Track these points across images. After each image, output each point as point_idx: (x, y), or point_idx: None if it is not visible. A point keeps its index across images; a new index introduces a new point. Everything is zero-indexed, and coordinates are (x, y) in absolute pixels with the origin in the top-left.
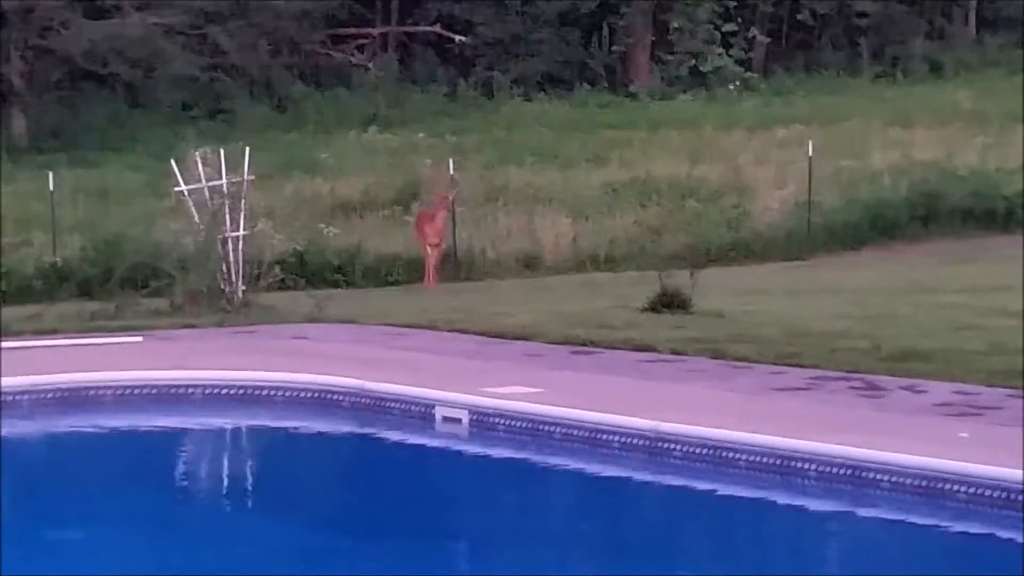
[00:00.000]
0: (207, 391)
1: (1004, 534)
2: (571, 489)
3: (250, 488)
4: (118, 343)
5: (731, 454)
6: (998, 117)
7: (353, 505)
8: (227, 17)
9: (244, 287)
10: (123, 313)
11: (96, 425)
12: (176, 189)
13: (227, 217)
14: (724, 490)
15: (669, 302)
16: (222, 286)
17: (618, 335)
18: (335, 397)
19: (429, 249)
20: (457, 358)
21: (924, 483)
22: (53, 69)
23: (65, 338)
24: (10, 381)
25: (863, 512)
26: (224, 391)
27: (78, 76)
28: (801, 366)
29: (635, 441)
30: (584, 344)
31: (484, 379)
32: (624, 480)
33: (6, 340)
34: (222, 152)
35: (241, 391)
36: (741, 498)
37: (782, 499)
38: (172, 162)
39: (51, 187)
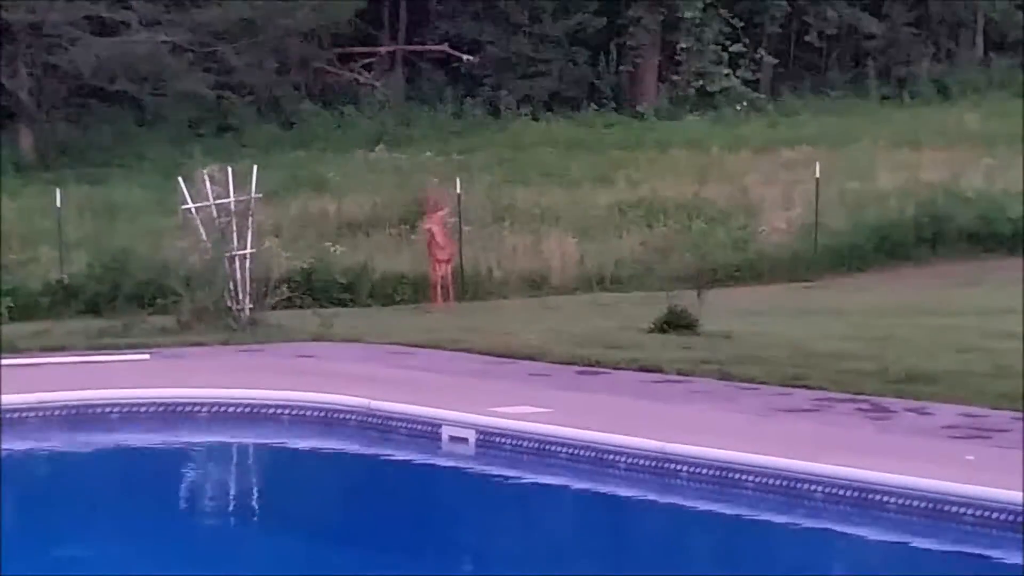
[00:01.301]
0: (213, 409)
1: (1010, 558)
2: (577, 509)
3: (255, 506)
4: (125, 360)
5: (737, 475)
6: (1005, 139)
7: (359, 524)
8: (235, 35)
9: (251, 305)
10: (130, 330)
11: (103, 442)
12: (183, 207)
13: (234, 235)
14: (730, 511)
15: (676, 323)
16: (229, 304)
17: (625, 355)
18: (341, 416)
19: (437, 266)
20: (464, 377)
21: (930, 505)
22: (61, 86)
23: (72, 355)
24: (17, 398)
25: (869, 534)
26: (230, 409)
27: (86, 93)
28: (808, 387)
29: (641, 462)
30: (591, 364)
31: (491, 399)
32: (630, 500)
33: (13, 357)
34: (229, 170)
35: (247, 409)
36: (747, 519)
37: (788, 520)
38: (179, 179)
39: (58, 203)
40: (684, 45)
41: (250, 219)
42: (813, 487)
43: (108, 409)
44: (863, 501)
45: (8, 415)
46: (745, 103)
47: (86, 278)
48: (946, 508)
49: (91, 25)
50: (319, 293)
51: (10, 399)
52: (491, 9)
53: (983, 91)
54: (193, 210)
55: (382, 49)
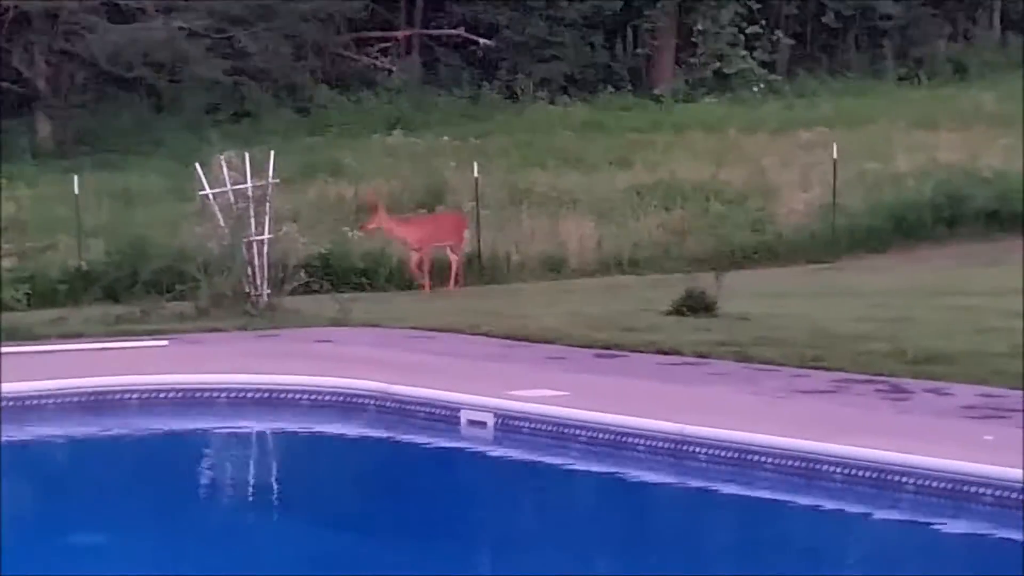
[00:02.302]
0: (232, 395)
1: None
2: (596, 492)
3: (274, 492)
4: (143, 347)
5: (756, 457)
6: (1022, 119)
7: (378, 509)
8: (251, 21)
9: (269, 291)
10: (148, 317)
11: (121, 429)
12: (201, 193)
13: (252, 220)
14: (749, 493)
15: (694, 305)
16: (247, 290)
17: (643, 338)
18: (360, 401)
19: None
20: (482, 361)
21: (949, 486)
22: (78, 73)
23: (90, 342)
24: (36, 385)
25: (888, 515)
26: (249, 395)
27: (103, 80)
28: (826, 369)
29: (660, 444)
30: (609, 347)
31: (509, 382)
32: (649, 483)
33: (32, 344)
34: (247, 155)
35: (266, 395)
36: (766, 501)
37: (807, 502)
38: (196, 166)
39: (76, 190)
40: (701, 27)
41: (267, 205)
42: (832, 468)
43: (126, 395)
44: (882, 482)
45: (27, 402)
46: (762, 85)
47: (104, 265)
48: (965, 488)
49: (107, 12)
50: (337, 278)
51: (28, 386)
52: None
53: (1001, 71)
54: (211, 196)
55: (398, 34)
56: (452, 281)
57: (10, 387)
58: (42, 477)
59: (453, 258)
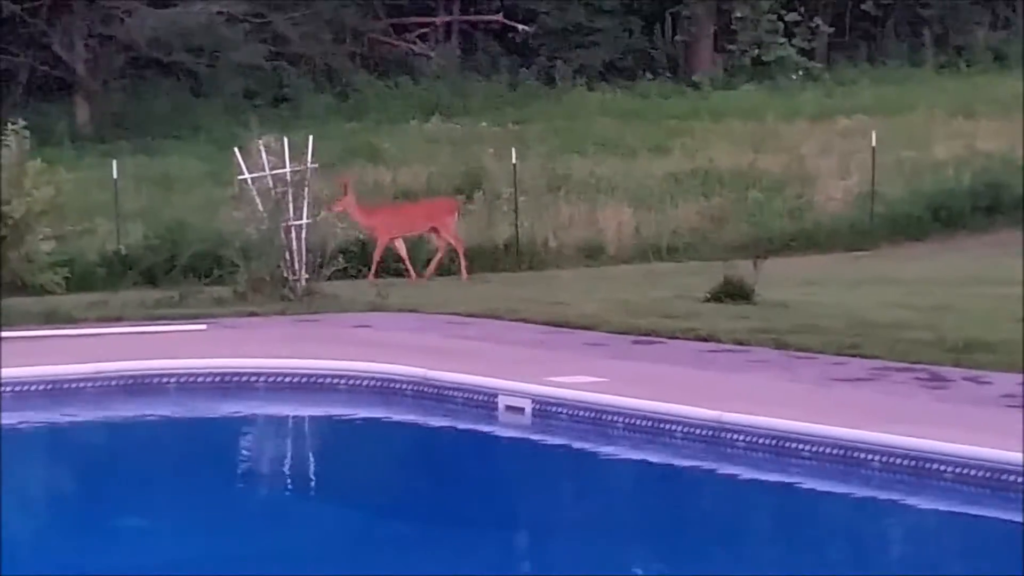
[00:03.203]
0: (270, 379)
1: None
2: (633, 479)
3: (312, 477)
4: (181, 331)
5: (794, 444)
6: None
7: (415, 494)
8: (290, 6)
9: (307, 275)
10: (186, 301)
11: (160, 413)
12: (239, 177)
13: (290, 205)
14: (787, 480)
15: (732, 292)
16: (285, 274)
17: (681, 325)
18: (398, 386)
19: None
20: (520, 347)
21: (989, 475)
22: (117, 57)
23: (129, 325)
24: (74, 368)
25: (926, 504)
26: (287, 379)
27: (142, 64)
28: (864, 357)
29: (698, 431)
30: (647, 334)
31: (547, 368)
32: (687, 470)
33: (70, 327)
34: (286, 140)
35: (304, 380)
36: (804, 489)
37: (845, 490)
38: (235, 150)
39: (115, 175)
40: (739, 14)
41: (306, 190)
42: (870, 456)
43: (165, 379)
44: (920, 470)
45: (66, 385)
46: (801, 72)
47: (143, 249)
48: (1004, 477)
49: None
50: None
51: (67, 369)
52: None
53: None
54: (249, 181)
55: (437, 19)
56: (429, 269)
57: (49, 370)
58: (81, 461)
59: (439, 244)
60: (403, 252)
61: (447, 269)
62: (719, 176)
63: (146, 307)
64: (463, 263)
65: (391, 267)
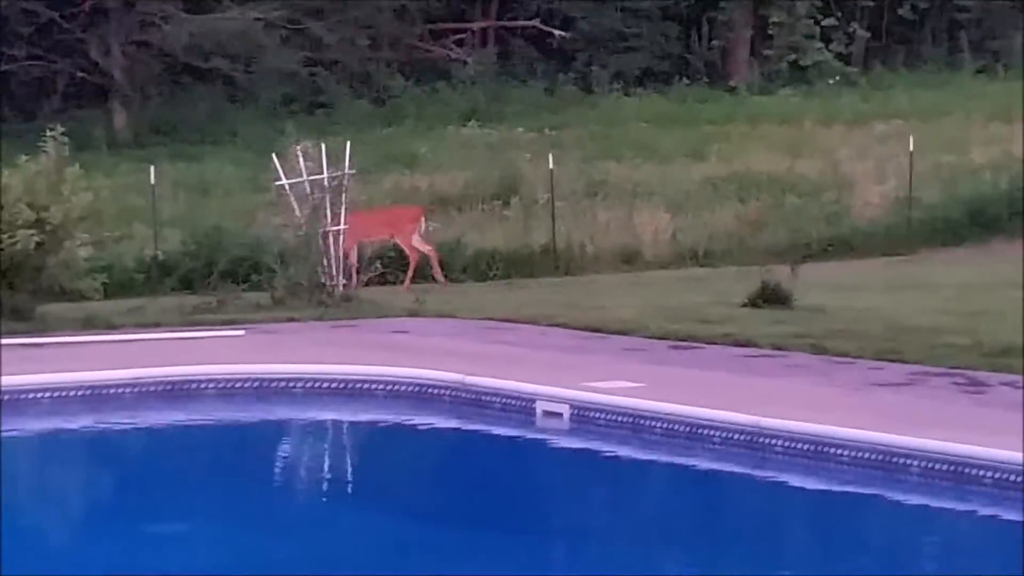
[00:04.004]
0: (308, 385)
1: None
2: (672, 484)
3: (350, 482)
4: (220, 336)
5: (833, 449)
6: None
7: (453, 499)
8: (326, 12)
9: (344, 281)
10: (224, 307)
11: (198, 418)
12: (277, 183)
13: (327, 211)
14: (825, 486)
15: (769, 297)
16: (323, 280)
17: (718, 330)
18: (435, 391)
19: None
20: (557, 352)
21: None
22: (154, 63)
23: (167, 331)
24: (113, 374)
25: (966, 508)
26: (325, 385)
27: (179, 70)
28: (902, 362)
29: (736, 436)
30: (684, 339)
31: (584, 374)
32: (725, 475)
33: (108, 333)
34: (323, 146)
35: (342, 385)
36: (842, 494)
37: (884, 495)
38: (273, 156)
39: (152, 181)
40: (776, 19)
41: (343, 195)
42: (909, 461)
43: (203, 385)
44: (959, 475)
45: (104, 391)
46: (838, 77)
47: (180, 255)
48: None
49: (184, 2)
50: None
51: (106, 375)
52: None
53: None
54: (287, 186)
55: (474, 25)
56: (407, 280)
57: (88, 376)
58: (120, 466)
59: (409, 252)
60: (354, 258)
61: (484, 274)
62: (756, 181)
63: (184, 313)
64: (435, 267)
65: (425, 273)
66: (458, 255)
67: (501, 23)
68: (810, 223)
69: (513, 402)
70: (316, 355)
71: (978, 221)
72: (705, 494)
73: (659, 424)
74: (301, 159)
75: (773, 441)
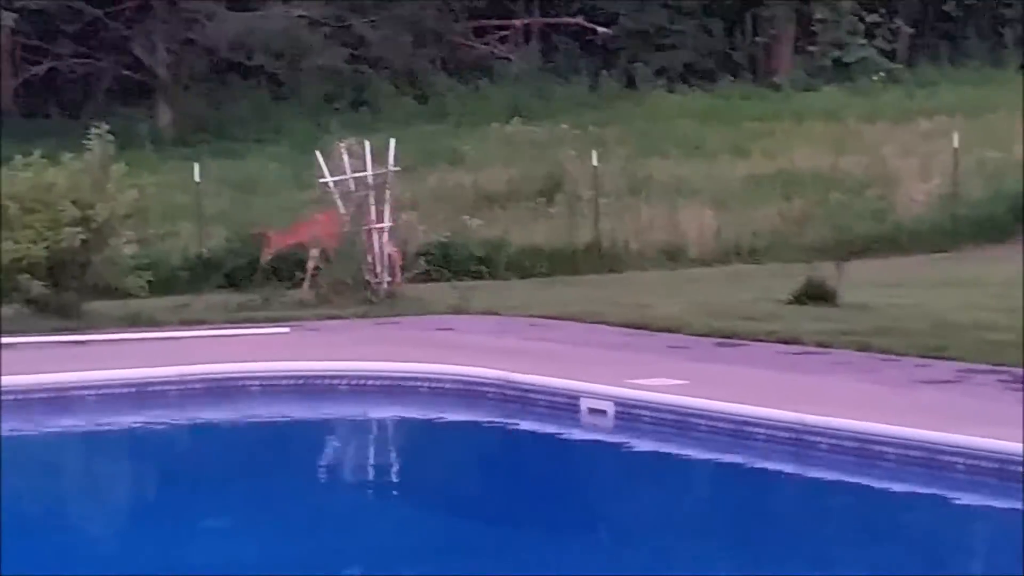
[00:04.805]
0: (353, 382)
1: None
2: (716, 481)
3: (395, 479)
4: (265, 334)
5: (878, 447)
6: None
7: (498, 496)
8: (370, 9)
9: (389, 278)
10: (269, 304)
11: (244, 416)
12: (321, 180)
13: (372, 208)
14: (870, 483)
15: (814, 294)
16: (367, 277)
17: (763, 327)
18: (480, 389)
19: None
20: (601, 350)
21: None
22: (198, 61)
23: (212, 329)
24: (159, 371)
25: (1012, 506)
26: (370, 382)
27: (223, 68)
28: (948, 359)
29: (780, 434)
30: (729, 336)
31: (629, 371)
32: (769, 473)
33: (154, 331)
34: (367, 143)
35: (387, 382)
36: (887, 491)
37: (930, 492)
38: (317, 153)
39: (197, 178)
40: (820, 16)
41: (387, 193)
42: (955, 459)
43: (248, 382)
44: (1005, 473)
45: (150, 388)
46: (882, 73)
47: (225, 252)
48: None
49: (228, 0)
50: (456, 266)
51: (151, 372)
52: None
53: None
54: (331, 184)
55: (517, 22)
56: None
57: (133, 373)
58: (166, 463)
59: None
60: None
61: (528, 271)
62: (800, 178)
63: (229, 310)
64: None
65: (471, 269)
66: (502, 252)
67: (544, 20)
68: (854, 220)
69: (558, 399)
70: (360, 352)
71: (1023, 217)
72: (749, 491)
73: (704, 421)
74: (345, 156)
75: (817, 438)
